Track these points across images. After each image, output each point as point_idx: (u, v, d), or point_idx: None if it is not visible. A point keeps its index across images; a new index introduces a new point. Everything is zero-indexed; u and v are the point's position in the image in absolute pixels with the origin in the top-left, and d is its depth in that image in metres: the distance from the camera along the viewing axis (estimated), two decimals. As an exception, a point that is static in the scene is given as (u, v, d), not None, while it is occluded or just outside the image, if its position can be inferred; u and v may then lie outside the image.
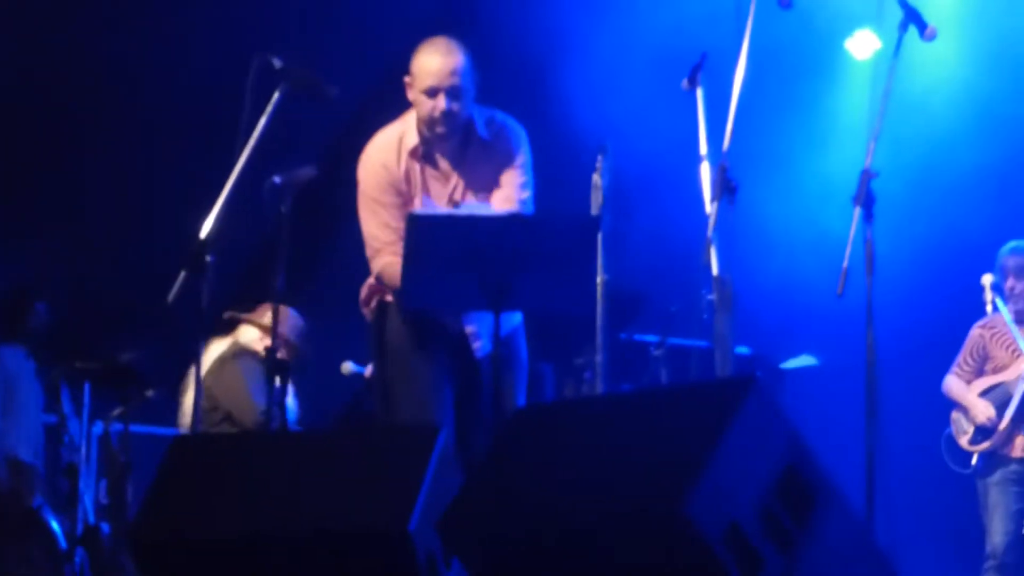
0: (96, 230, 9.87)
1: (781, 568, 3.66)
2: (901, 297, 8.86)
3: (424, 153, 6.16)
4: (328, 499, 4.47)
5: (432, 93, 6.01)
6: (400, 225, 5.93)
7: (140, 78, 9.75)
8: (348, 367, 8.16)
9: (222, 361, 7.85)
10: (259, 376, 7.59)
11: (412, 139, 6.15)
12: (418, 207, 6.07)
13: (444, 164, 6.18)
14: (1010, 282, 8.13)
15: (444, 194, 6.16)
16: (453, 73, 6.02)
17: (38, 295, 9.00)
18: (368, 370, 8.09)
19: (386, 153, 6.16)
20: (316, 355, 8.23)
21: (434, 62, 6.03)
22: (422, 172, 6.17)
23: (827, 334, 8.98)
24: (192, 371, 7.83)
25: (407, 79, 6.09)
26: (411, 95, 6.09)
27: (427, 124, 6.07)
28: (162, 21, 9.61)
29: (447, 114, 6.03)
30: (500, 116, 6.30)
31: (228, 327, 8.10)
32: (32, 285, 9.05)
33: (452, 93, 6.02)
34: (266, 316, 7.94)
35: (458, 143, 6.17)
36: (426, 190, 6.14)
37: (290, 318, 7.87)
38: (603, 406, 4.64)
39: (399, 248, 5.84)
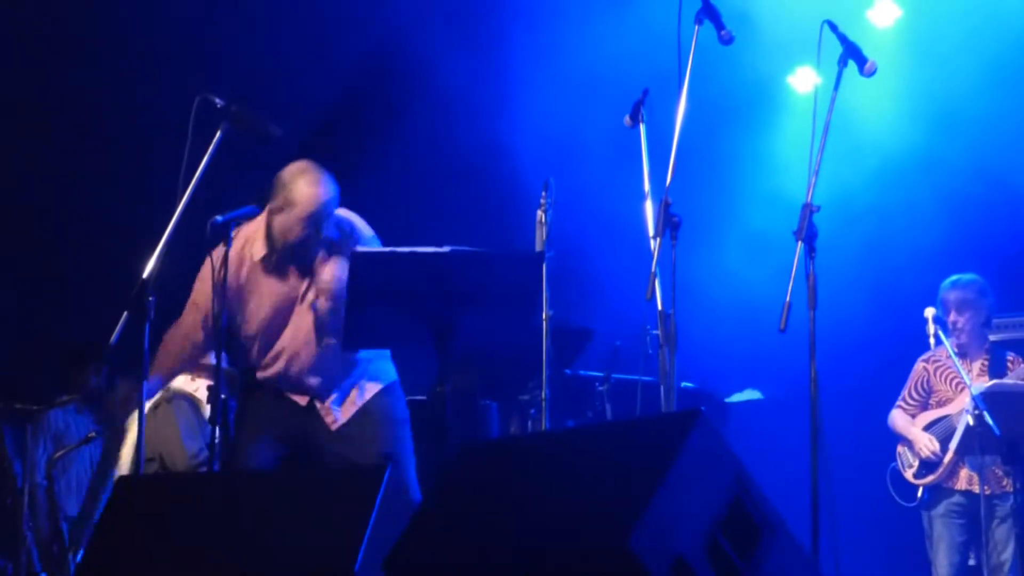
0: (37, 271, 9.80)
1: (728, 602, 3.66)
2: (844, 331, 8.89)
3: (272, 261, 6.31)
4: (272, 541, 4.44)
5: (307, 221, 6.14)
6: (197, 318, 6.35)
7: (83, 118, 9.71)
8: None
9: (155, 405, 7.78)
10: (193, 421, 7.54)
11: (260, 249, 6.30)
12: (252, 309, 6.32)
13: (292, 271, 6.30)
14: (952, 316, 8.17)
15: (285, 297, 6.28)
16: (327, 205, 6.20)
17: (94, 355, 9.06)
18: None
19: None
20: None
21: (316, 193, 6.17)
22: (265, 278, 6.32)
23: (772, 368, 9.01)
24: (130, 420, 7.79)
25: (277, 199, 6.22)
26: (280, 215, 6.21)
27: (284, 242, 6.23)
28: (104, 61, 9.57)
29: (309, 238, 6.19)
30: (347, 218, 6.39)
31: None
32: (93, 344, 9.10)
33: (322, 224, 6.18)
34: None
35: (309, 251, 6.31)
36: (263, 294, 6.31)
37: None
38: (549, 442, 4.64)
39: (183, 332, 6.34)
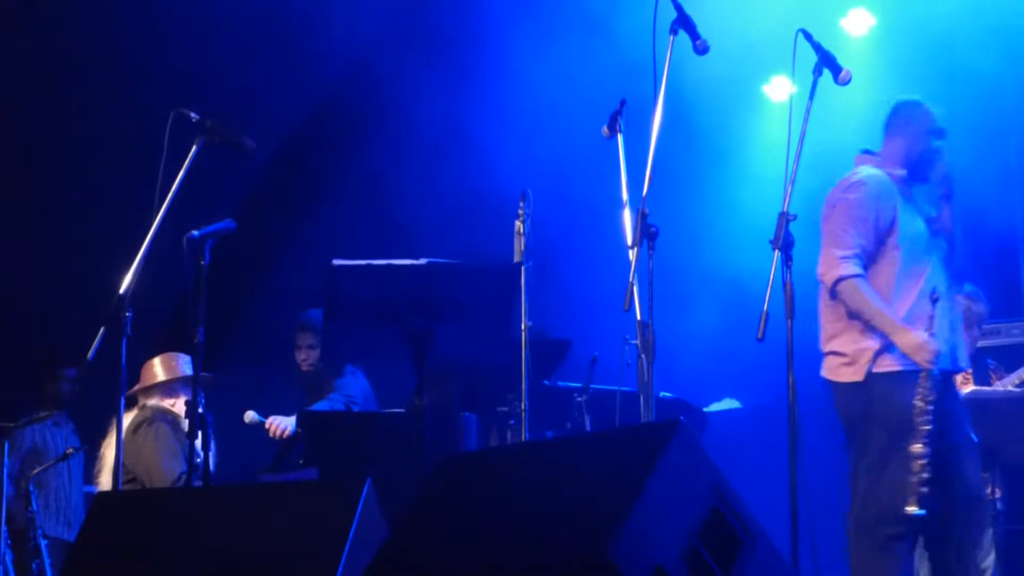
0: (11, 287, 9.77)
1: (708, 612, 3.66)
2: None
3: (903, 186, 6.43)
4: (252, 556, 4.43)
5: (939, 135, 6.43)
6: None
7: (59, 131, 9.70)
8: (251, 416, 8.05)
9: (135, 426, 7.76)
10: (172, 441, 7.51)
11: (900, 173, 6.44)
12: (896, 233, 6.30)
13: (915, 200, 6.44)
14: (975, 331, 8.11)
15: (915, 228, 6.34)
16: None
17: (66, 361, 9.02)
18: (269, 421, 7.98)
19: (881, 184, 6.39)
20: (230, 405, 8.14)
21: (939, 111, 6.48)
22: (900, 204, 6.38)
23: (750, 377, 9.01)
24: (109, 441, 7.77)
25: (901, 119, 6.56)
26: (907, 134, 6.48)
27: (921, 161, 6.46)
28: (81, 74, 9.57)
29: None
30: None
31: (132, 402, 8.00)
32: (60, 350, 9.07)
33: None
34: (149, 375, 7.87)
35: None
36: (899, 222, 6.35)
37: (181, 361, 7.78)
38: (528, 453, 4.63)
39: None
